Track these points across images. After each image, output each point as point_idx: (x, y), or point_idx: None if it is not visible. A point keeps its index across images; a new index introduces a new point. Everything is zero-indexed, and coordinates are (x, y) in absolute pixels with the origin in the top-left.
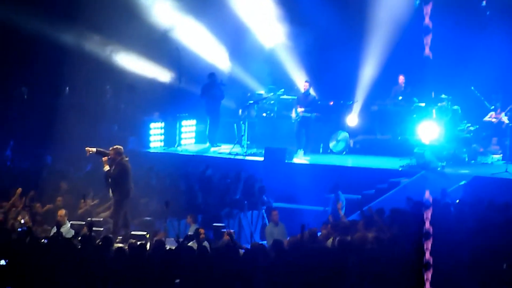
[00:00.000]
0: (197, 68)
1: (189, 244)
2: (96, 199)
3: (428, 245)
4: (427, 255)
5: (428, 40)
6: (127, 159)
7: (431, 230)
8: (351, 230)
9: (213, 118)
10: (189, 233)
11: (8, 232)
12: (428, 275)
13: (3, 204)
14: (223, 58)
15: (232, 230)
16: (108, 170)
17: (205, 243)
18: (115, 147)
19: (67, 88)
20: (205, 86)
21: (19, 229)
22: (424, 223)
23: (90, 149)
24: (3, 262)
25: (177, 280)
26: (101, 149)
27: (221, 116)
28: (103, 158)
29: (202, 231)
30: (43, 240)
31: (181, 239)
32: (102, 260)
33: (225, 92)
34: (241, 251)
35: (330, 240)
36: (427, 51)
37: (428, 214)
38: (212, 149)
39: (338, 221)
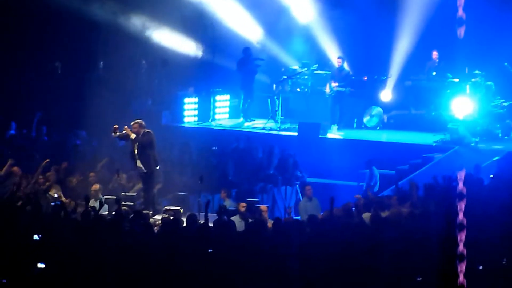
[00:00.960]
0: (232, 43)
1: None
2: (129, 174)
3: (461, 210)
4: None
5: (461, 2)
6: (149, 130)
7: (464, 195)
8: (385, 205)
9: (247, 92)
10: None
11: (39, 206)
12: (462, 250)
13: (35, 177)
14: (258, 33)
15: (266, 205)
16: (134, 141)
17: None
18: (136, 121)
19: (101, 63)
20: (240, 60)
21: (52, 204)
22: (457, 198)
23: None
24: (36, 237)
25: (210, 250)
26: (124, 133)
27: (255, 91)
28: (124, 128)
29: (243, 205)
30: (76, 214)
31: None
32: (135, 234)
33: (260, 67)
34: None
35: (365, 215)
36: (460, 12)
37: (461, 190)
38: (246, 124)
39: (372, 196)
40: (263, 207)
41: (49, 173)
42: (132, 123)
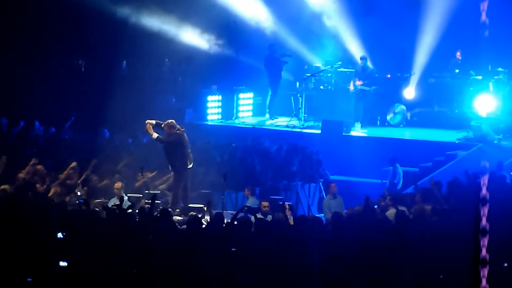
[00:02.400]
0: (255, 41)
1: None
2: (153, 172)
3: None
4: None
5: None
6: (182, 129)
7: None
8: (408, 202)
9: (273, 89)
10: (248, 205)
11: (64, 205)
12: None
13: (59, 176)
14: (281, 30)
15: (290, 203)
16: (163, 141)
17: (269, 217)
18: (166, 122)
19: (125, 61)
20: (267, 57)
21: (76, 202)
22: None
23: (150, 121)
24: (60, 235)
25: (233, 249)
26: (160, 122)
27: (279, 88)
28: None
29: (266, 204)
30: (99, 212)
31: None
32: (160, 232)
33: (287, 64)
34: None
35: (389, 212)
36: (483, 17)
37: (484, 186)
38: (269, 121)
39: (396, 194)
40: (286, 204)
41: (73, 171)
42: (163, 125)
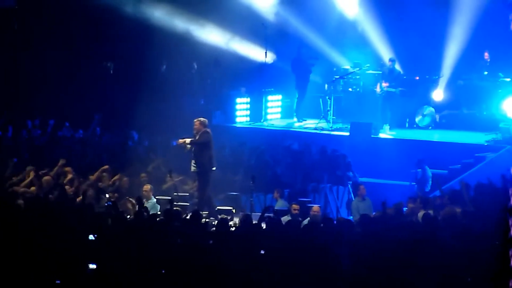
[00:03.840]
0: (283, 43)
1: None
2: (181, 174)
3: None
4: None
5: None
6: (207, 130)
7: None
8: (437, 205)
9: (301, 92)
10: (276, 208)
11: (92, 206)
12: None
13: (90, 178)
14: (309, 32)
15: (318, 205)
16: (198, 142)
17: (305, 221)
18: (200, 118)
19: (153, 63)
20: (294, 60)
21: (105, 204)
22: (508, 197)
23: (181, 141)
24: (91, 237)
25: (262, 251)
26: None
27: (307, 91)
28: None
29: (296, 207)
30: (128, 215)
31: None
32: (188, 235)
33: (314, 66)
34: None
35: (418, 214)
36: None
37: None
38: (298, 124)
39: (425, 196)
40: (315, 207)
41: (103, 174)
42: (195, 120)
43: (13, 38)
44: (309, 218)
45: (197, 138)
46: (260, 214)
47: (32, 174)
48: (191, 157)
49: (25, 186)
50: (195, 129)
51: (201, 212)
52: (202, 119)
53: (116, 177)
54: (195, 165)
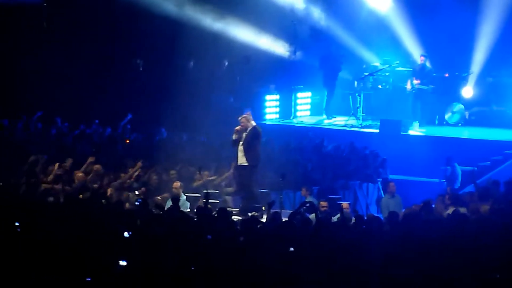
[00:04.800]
0: (313, 40)
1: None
2: (211, 171)
3: None
4: None
5: None
6: (256, 125)
7: None
8: (467, 202)
9: (330, 90)
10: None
11: (122, 203)
12: None
13: (121, 175)
14: (338, 29)
15: (348, 202)
16: (240, 135)
17: (334, 218)
18: (244, 115)
19: (183, 60)
20: (323, 57)
21: (135, 201)
22: None
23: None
24: (126, 234)
25: (291, 249)
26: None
27: (336, 88)
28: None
29: (324, 203)
30: (159, 212)
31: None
32: (217, 231)
33: (343, 64)
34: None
35: (448, 211)
36: None
37: None
38: (327, 121)
39: (455, 193)
40: (344, 204)
41: (136, 171)
42: (240, 118)
43: (41, 35)
44: (338, 216)
45: (247, 133)
46: (289, 211)
47: (61, 171)
48: (238, 151)
49: (53, 182)
50: (242, 126)
51: (230, 209)
52: (245, 115)
53: (145, 174)
54: (244, 159)
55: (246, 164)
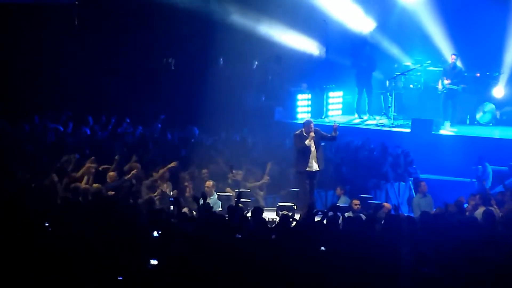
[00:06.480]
0: (345, 39)
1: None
2: (243, 171)
3: None
4: None
5: None
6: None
7: None
8: (498, 201)
9: (367, 89)
10: (338, 204)
11: (153, 202)
12: None
13: (154, 174)
14: (370, 28)
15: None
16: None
17: (361, 215)
18: (308, 119)
19: (214, 59)
20: (356, 56)
21: (168, 200)
22: None
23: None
24: (155, 233)
25: (322, 248)
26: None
27: (372, 87)
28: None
29: (356, 202)
30: (191, 211)
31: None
32: (249, 230)
33: (375, 64)
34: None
35: (479, 211)
36: None
37: None
38: (358, 120)
39: (486, 193)
40: (386, 204)
41: (163, 170)
42: (309, 123)
43: (73, 34)
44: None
45: (312, 137)
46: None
47: (93, 170)
48: (310, 157)
49: (85, 180)
50: (311, 131)
51: (262, 207)
52: (308, 119)
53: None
54: (317, 163)
55: (319, 169)
